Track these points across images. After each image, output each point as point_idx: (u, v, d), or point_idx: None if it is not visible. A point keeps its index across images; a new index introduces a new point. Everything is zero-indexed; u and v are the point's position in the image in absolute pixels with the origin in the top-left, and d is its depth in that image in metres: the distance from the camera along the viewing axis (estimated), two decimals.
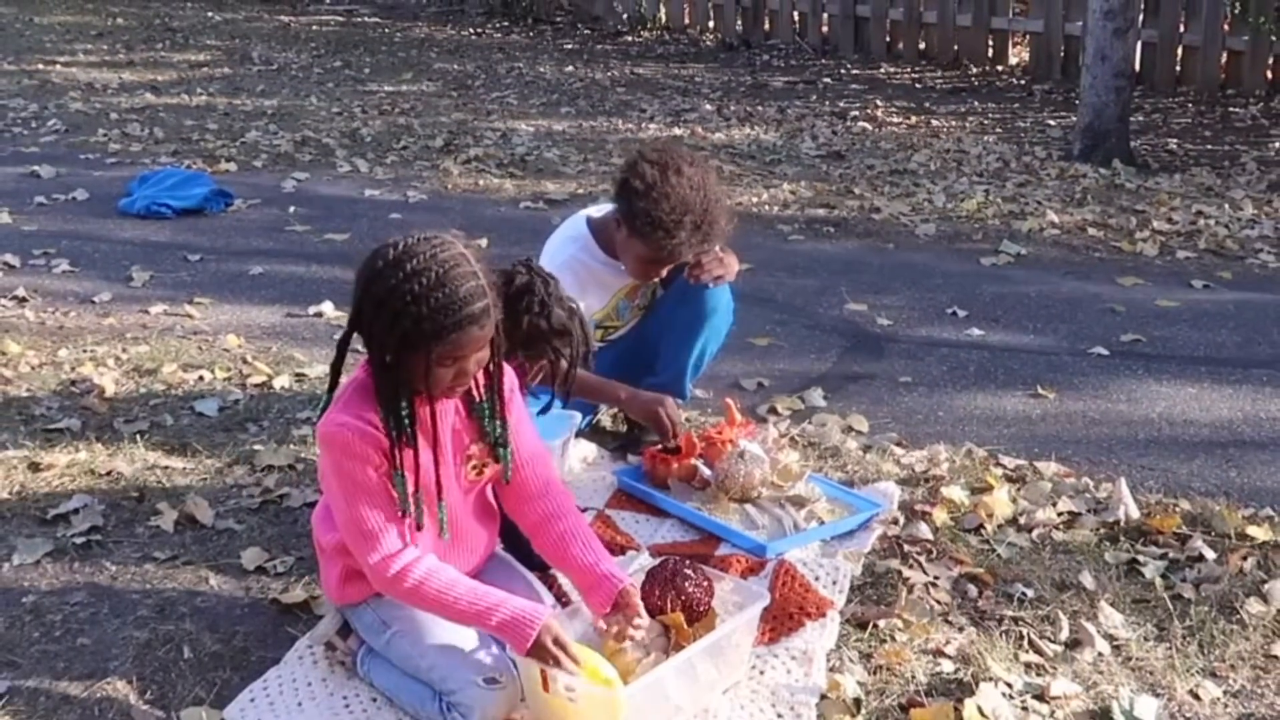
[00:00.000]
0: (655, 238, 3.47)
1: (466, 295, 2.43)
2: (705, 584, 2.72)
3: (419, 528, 2.60)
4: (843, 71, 11.35)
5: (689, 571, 2.72)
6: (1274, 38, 9.60)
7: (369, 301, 2.48)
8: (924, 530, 3.37)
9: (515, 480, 2.77)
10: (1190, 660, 2.84)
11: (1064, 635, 2.92)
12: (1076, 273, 5.85)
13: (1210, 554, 3.27)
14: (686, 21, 13.24)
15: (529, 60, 11.88)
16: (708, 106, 9.78)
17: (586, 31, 13.50)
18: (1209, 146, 8.51)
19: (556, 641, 2.48)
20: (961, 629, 2.95)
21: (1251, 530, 3.39)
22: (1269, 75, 9.90)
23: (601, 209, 3.82)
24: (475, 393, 2.68)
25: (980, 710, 2.59)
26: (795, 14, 12.40)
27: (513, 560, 2.95)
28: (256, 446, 3.85)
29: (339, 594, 2.75)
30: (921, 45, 11.65)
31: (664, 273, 3.69)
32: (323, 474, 2.66)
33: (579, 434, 3.82)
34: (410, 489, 2.56)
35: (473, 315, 2.44)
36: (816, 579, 3.14)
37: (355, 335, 2.55)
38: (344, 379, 2.64)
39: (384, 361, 2.51)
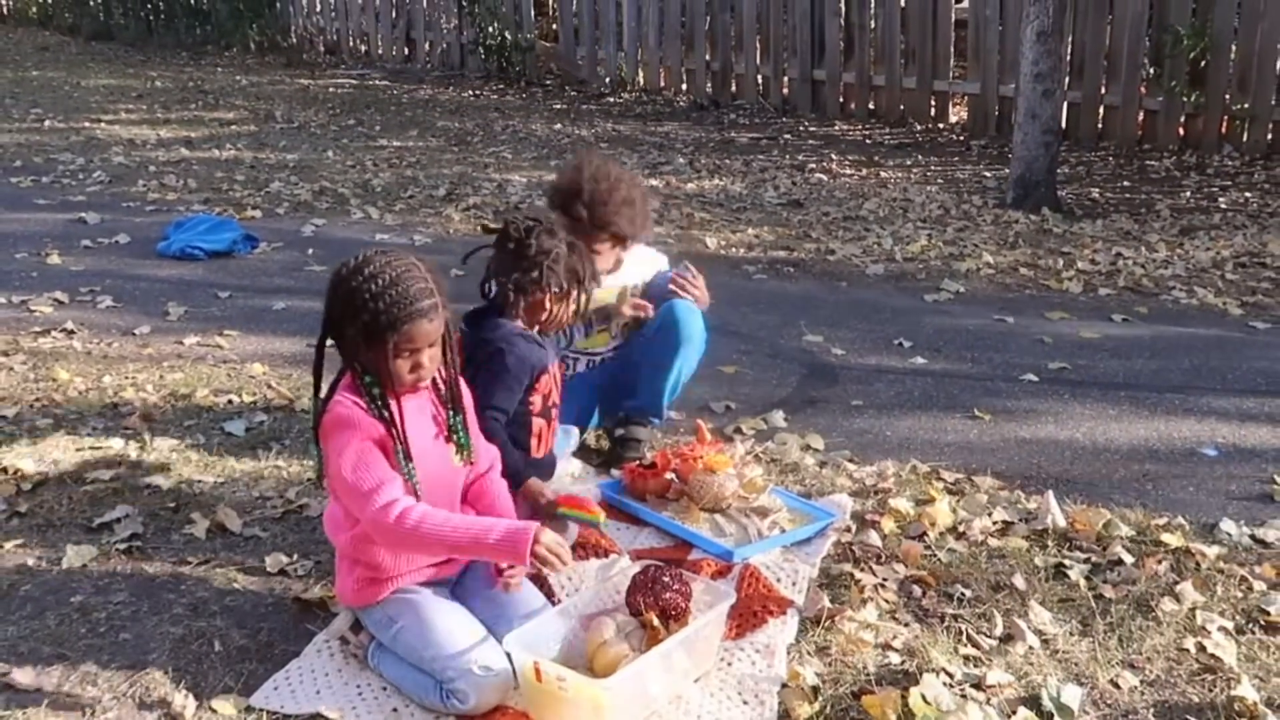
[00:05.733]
0: (570, 207, 3.63)
1: (416, 293, 2.57)
2: (683, 588, 2.73)
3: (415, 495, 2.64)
4: (801, 129, 11.39)
5: (666, 579, 2.74)
6: (1185, 99, 9.71)
7: (337, 303, 2.60)
8: (874, 537, 3.39)
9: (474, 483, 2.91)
10: (1111, 653, 2.87)
11: (998, 631, 2.94)
12: (1009, 308, 5.89)
13: (1129, 558, 3.31)
14: (662, 84, 13.28)
15: (522, 118, 11.89)
16: (681, 160, 9.81)
17: (573, 93, 13.53)
18: (1128, 195, 8.56)
19: (553, 544, 2.54)
20: (907, 625, 2.97)
21: (1165, 537, 3.42)
22: (1180, 132, 9.98)
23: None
24: (440, 391, 2.78)
25: (924, 698, 2.61)
26: (759, 77, 12.45)
27: None
28: (279, 462, 3.86)
29: (354, 597, 2.76)
30: (871, 105, 11.71)
31: (602, 251, 3.70)
32: (328, 465, 2.66)
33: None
34: (401, 454, 2.63)
35: (422, 309, 2.57)
36: (778, 580, 3.16)
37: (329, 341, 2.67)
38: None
39: (354, 354, 2.61)
